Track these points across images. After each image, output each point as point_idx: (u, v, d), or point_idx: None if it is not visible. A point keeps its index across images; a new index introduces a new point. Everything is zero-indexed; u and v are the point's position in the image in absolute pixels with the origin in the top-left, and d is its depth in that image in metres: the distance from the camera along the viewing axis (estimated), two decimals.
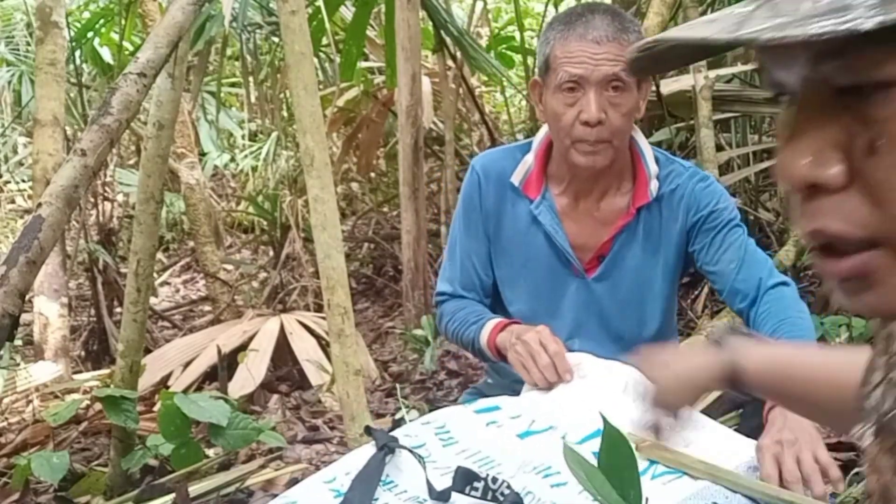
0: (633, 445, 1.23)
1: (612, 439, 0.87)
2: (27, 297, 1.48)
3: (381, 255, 4.84)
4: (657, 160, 1.64)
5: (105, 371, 2.97)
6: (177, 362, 3.18)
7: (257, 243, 5.47)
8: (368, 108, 4.56)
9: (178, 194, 4.52)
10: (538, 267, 1.67)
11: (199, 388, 2.98)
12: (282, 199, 4.56)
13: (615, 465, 0.87)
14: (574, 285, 1.66)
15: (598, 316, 1.65)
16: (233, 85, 6.01)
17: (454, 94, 4.23)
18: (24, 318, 2.24)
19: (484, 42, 4.80)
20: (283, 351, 3.24)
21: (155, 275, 4.03)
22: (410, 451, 1.31)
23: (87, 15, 5.01)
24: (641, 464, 1.24)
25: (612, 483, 0.85)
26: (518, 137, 4.62)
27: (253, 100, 5.57)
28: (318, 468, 1.82)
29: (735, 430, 1.37)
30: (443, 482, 1.23)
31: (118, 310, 3.56)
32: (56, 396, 2.71)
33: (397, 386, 2.79)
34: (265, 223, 5.00)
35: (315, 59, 3.80)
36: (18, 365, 2.91)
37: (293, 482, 1.66)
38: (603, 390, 1.41)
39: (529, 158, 1.66)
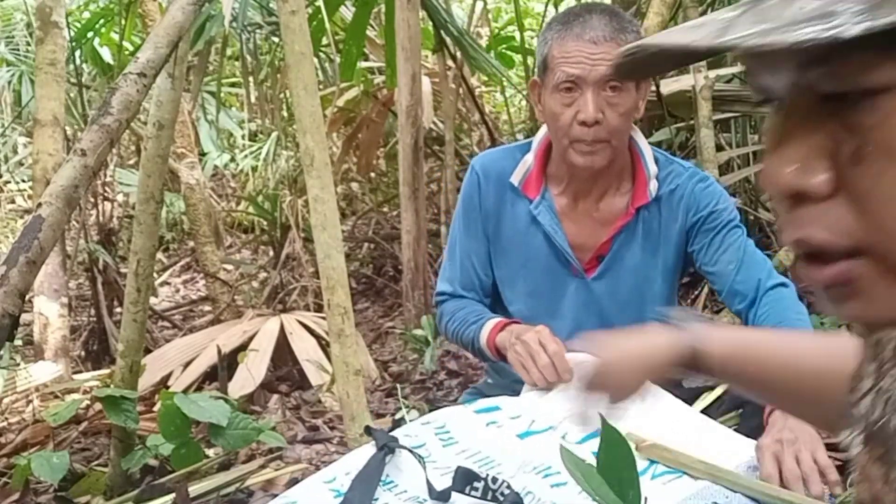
0: (633, 445, 1.24)
1: (610, 439, 0.87)
2: (27, 297, 1.48)
3: (381, 255, 4.84)
4: (657, 160, 1.64)
5: (105, 371, 2.97)
6: (177, 362, 3.18)
7: (257, 243, 5.47)
8: (368, 108, 4.56)
9: (178, 194, 4.52)
10: (537, 267, 1.67)
11: (199, 388, 2.97)
12: (282, 199, 4.56)
13: (614, 465, 0.87)
14: (573, 285, 1.66)
15: (598, 316, 1.65)
16: (233, 85, 6.01)
17: (454, 94, 4.23)
18: (24, 318, 2.24)
19: (484, 42, 4.80)
20: (283, 351, 3.24)
21: (155, 275, 4.03)
22: (410, 451, 1.31)
23: (87, 15, 5.01)
24: (641, 464, 1.24)
25: (611, 483, 0.85)
26: (518, 137, 4.62)
27: (253, 100, 5.57)
28: (318, 468, 1.82)
29: (735, 430, 1.37)
30: (443, 482, 1.23)
31: (118, 310, 3.56)
32: (56, 396, 2.71)
33: (397, 386, 2.79)
34: (265, 223, 5.00)
35: (315, 59, 3.80)
36: (18, 365, 2.91)
37: (293, 482, 1.66)
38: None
39: (529, 158, 1.66)
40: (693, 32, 0.44)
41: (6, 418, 2.63)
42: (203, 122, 5.54)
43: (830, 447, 1.23)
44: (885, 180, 0.42)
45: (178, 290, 5.23)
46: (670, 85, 3.14)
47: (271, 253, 4.86)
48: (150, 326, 3.83)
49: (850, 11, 0.38)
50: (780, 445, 1.22)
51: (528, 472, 1.26)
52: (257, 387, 2.94)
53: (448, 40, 3.78)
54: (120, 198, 5.01)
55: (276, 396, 2.99)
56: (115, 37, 4.46)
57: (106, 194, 4.28)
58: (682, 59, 0.48)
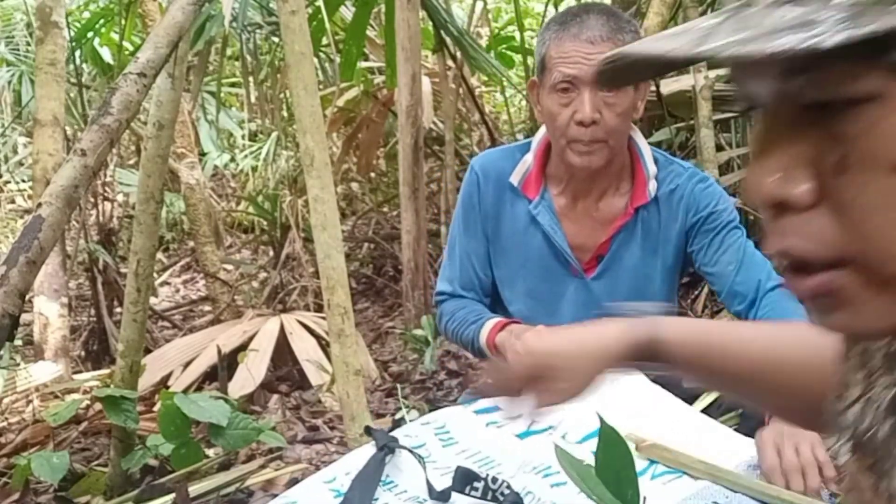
0: (633, 446, 1.24)
1: (608, 439, 0.87)
2: (27, 297, 1.48)
3: (381, 255, 4.84)
4: (656, 161, 1.64)
5: (105, 371, 2.97)
6: (177, 362, 3.18)
7: (257, 243, 5.47)
8: (368, 108, 4.56)
9: (178, 194, 4.52)
10: (537, 267, 1.67)
11: (199, 388, 2.98)
12: (282, 199, 4.56)
13: (612, 464, 0.86)
14: (573, 285, 1.66)
15: (598, 316, 1.65)
16: (233, 85, 6.01)
17: (454, 94, 4.23)
18: (24, 318, 2.24)
19: (484, 42, 4.80)
20: (283, 351, 3.24)
21: (155, 275, 4.03)
22: (410, 451, 1.31)
23: (87, 15, 5.00)
24: (641, 464, 1.24)
25: (610, 483, 0.85)
26: (518, 137, 4.61)
27: (253, 100, 5.57)
28: (318, 468, 1.82)
29: (735, 430, 1.37)
30: (443, 482, 1.23)
31: (118, 310, 3.56)
32: (56, 396, 2.71)
33: (397, 386, 2.79)
34: (265, 223, 5.00)
35: (315, 59, 3.80)
36: (18, 365, 2.90)
37: (293, 482, 1.66)
38: (603, 390, 1.41)
39: (528, 158, 1.66)
40: (673, 41, 0.43)
41: (6, 418, 2.63)
42: (203, 122, 5.54)
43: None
44: (869, 190, 0.41)
45: (178, 290, 5.23)
46: (670, 85, 3.14)
47: (271, 253, 4.86)
48: (150, 326, 3.83)
49: (832, 20, 0.38)
50: (781, 437, 1.22)
51: (528, 472, 1.26)
52: (257, 387, 2.94)
53: (448, 40, 3.78)
54: (120, 198, 5.01)
55: (276, 396, 2.99)
56: (115, 37, 4.46)
57: (106, 194, 4.28)
58: (662, 67, 0.48)
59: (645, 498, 0.93)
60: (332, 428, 2.60)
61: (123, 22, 4.11)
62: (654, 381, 1.44)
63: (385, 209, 5.16)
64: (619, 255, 1.64)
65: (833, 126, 0.42)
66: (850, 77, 0.40)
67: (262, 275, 4.70)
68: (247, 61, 4.51)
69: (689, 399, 1.45)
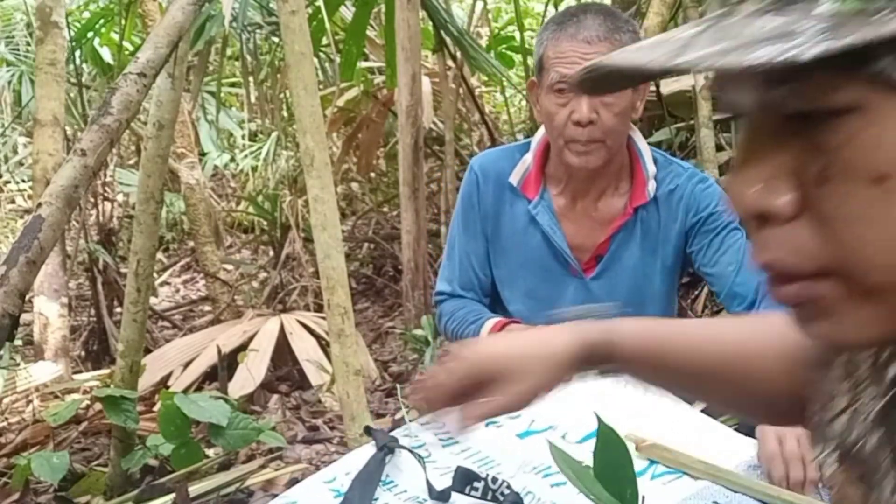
0: (633, 446, 1.24)
1: (606, 438, 0.87)
2: (27, 297, 1.48)
3: (381, 255, 4.84)
4: (655, 161, 1.64)
5: (105, 371, 2.97)
6: (177, 362, 3.18)
7: (257, 243, 5.47)
8: (368, 108, 4.56)
9: (178, 194, 4.52)
10: (536, 267, 1.67)
11: (199, 388, 2.98)
12: (282, 199, 4.56)
13: (610, 463, 0.86)
14: (572, 285, 1.66)
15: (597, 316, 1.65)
16: (233, 85, 6.01)
17: (454, 94, 4.22)
18: (24, 318, 2.24)
19: (484, 42, 4.80)
20: (283, 351, 3.24)
21: (155, 275, 4.03)
22: (410, 451, 1.31)
23: (87, 15, 5.00)
24: (641, 464, 1.24)
25: (608, 482, 0.85)
26: (518, 137, 4.61)
27: (253, 100, 5.57)
28: (318, 468, 1.82)
29: (735, 429, 1.37)
30: (443, 482, 1.23)
31: (118, 310, 3.56)
32: (56, 396, 2.71)
33: (397, 386, 2.79)
34: (265, 223, 5.00)
35: (315, 59, 3.80)
36: (18, 365, 2.90)
37: (293, 482, 1.66)
38: (603, 389, 1.41)
39: (528, 158, 1.67)
40: (651, 52, 0.42)
41: (6, 418, 2.63)
42: (203, 122, 5.54)
43: None
44: (850, 202, 0.41)
45: (178, 290, 5.23)
46: (670, 85, 3.13)
47: (271, 253, 4.85)
48: (150, 326, 3.83)
49: (811, 30, 0.37)
50: (783, 427, 1.22)
51: (528, 472, 1.26)
52: (257, 387, 2.94)
53: (448, 40, 3.78)
54: (120, 198, 5.01)
55: (276, 396, 2.99)
56: (115, 37, 4.46)
57: (106, 194, 4.28)
58: (640, 78, 0.47)
59: (643, 497, 0.93)
60: (332, 428, 2.60)
61: (123, 22, 4.11)
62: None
63: (385, 209, 5.15)
64: (618, 255, 1.64)
65: (815, 136, 0.41)
66: (830, 88, 0.40)
67: (262, 275, 4.70)
68: (247, 61, 4.51)
69: (690, 399, 1.45)
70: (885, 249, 0.40)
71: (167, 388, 2.92)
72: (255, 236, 5.51)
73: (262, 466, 1.95)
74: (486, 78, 5.05)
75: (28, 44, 5.11)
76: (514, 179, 1.66)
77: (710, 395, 0.82)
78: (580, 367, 0.81)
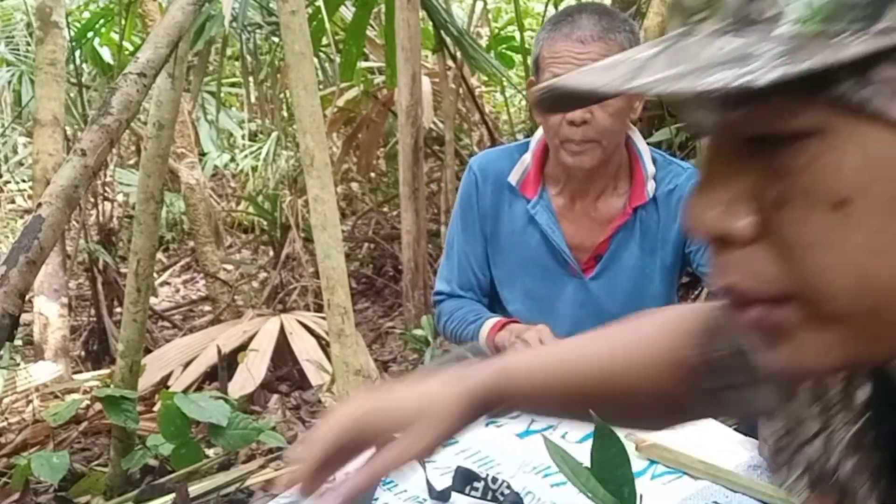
0: (633, 446, 1.24)
1: (603, 437, 0.86)
2: (27, 297, 1.48)
3: (381, 255, 4.84)
4: (655, 161, 1.64)
5: (105, 371, 2.97)
6: (177, 362, 3.18)
7: (257, 243, 5.47)
8: (368, 108, 4.56)
9: (178, 194, 4.52)
10: (535, 266, 1.67)
11: (199, 388, 2.98)
12: (282, 199, 4.56)
13: (608, 463, 0.86)
14: (571, 285, 1.66)
15: (596, 315, 1.65)
16: (233, 85, 6.01)
17: (454, 94, 4.22)
18: (24, 318, 2.24)
19: (484, 42, 4.80)
20: (283, 351, 3.24)
21: (155, 275, 4.03)
22: None
23: (87, 15, 5.00)
24: (641, 464, 1.24)
25: (606, 481, 0.85)
26: (518, 137, 4.61)
27: (253, 100, 5.57)
28: None
29: (735, 430, 1.37)
30: (443, 482, 1.23)
31: (118, 310, 3.56)
32: (56, 396, 2.71)
33: None
34: (265, 223, 5.00)
35: (315, 59, 3.80)
36: (18, 365, 2.91)
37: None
38: None
39: (527, 158, 1.67)
40: (605, 74, 0.42)
41: (6, 418, 2.63)
42: (203, 122, 5.54)
43: None
44: (809, 226, 0.40)
45: (178, 290, 5.23)
46: None
47: (271, 253, 4.86)
48: (150, 326, 3.83)
49: (769, 54, 0.36)
50: None
51: (528, 472, 1.26)
52: (257, 387, 2.94)
53: (448, 40, 3.78)
54: (120, 198, 5.02)
55: (276, 396, 2.99)
56: (115, 37, 4.46)
57: (106, 194, 4.28)
58: (594, 100, 0.46)
59: (641, 496, 0.93)
60: None
61: (123, 22, 4.11)
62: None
63: (385, 209, 5.15)
64: (617, 254, 1.64)
65: (774, 160, 0.40)
66: (788, 112, 0.39)
67: (262, 275, 4.70)
68: (247, 61, 4.51)
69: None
70: (844, 274, 0.39)
71: (167, 388, 2.92)
72: (255, 236, 5.51)
73: (262, 466, 1.95)
74: (486, 78, 5.05)
75: (28, 44, 5.11)
76: (512, 179, 1.66)
77: (606, 412, 0.75)
78: (472, 420, 0.75)
